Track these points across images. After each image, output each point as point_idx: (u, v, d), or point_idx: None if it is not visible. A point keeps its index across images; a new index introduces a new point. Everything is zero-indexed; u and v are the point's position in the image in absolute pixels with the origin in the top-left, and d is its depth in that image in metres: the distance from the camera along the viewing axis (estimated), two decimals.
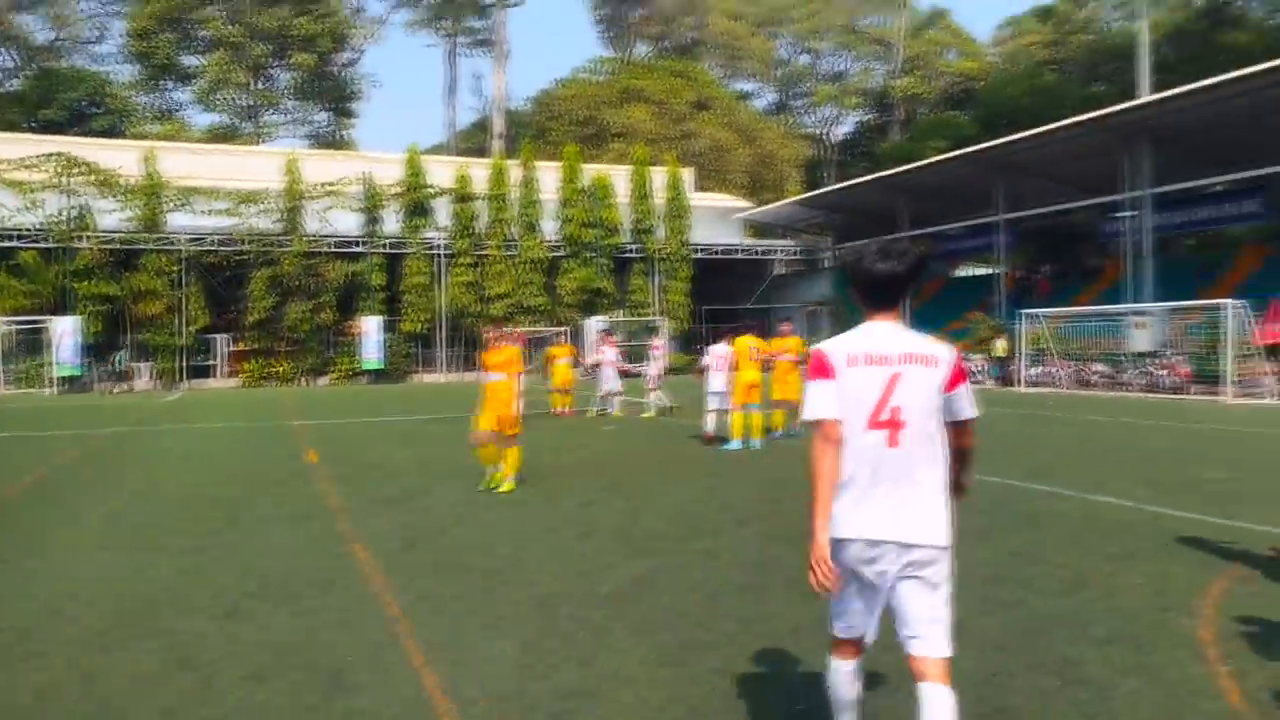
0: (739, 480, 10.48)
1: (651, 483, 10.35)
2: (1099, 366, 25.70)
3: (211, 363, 38.88)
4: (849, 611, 3.23)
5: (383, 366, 39.33)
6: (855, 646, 3.29)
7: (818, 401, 3.17)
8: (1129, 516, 7.92)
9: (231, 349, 39.51)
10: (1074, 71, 54.57)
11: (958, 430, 3.24)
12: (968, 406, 3.21)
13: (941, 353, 3.19)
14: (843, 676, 3.30)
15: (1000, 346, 27.02)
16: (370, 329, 39.01)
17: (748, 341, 13.64)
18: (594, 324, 40.15)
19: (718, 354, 13.95)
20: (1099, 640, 4.81)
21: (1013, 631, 4.98)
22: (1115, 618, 5.16)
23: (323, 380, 39.52)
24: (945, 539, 3.09)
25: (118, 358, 36.32)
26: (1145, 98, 28.38)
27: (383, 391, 33.44)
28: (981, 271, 50.27)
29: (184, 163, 39.61)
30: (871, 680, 3.96)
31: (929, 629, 3.09)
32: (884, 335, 3.21)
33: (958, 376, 3.19)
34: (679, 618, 5.32)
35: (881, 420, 3.10)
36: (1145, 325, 25.39)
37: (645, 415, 18.65)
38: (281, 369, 38.67)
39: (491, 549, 7.15)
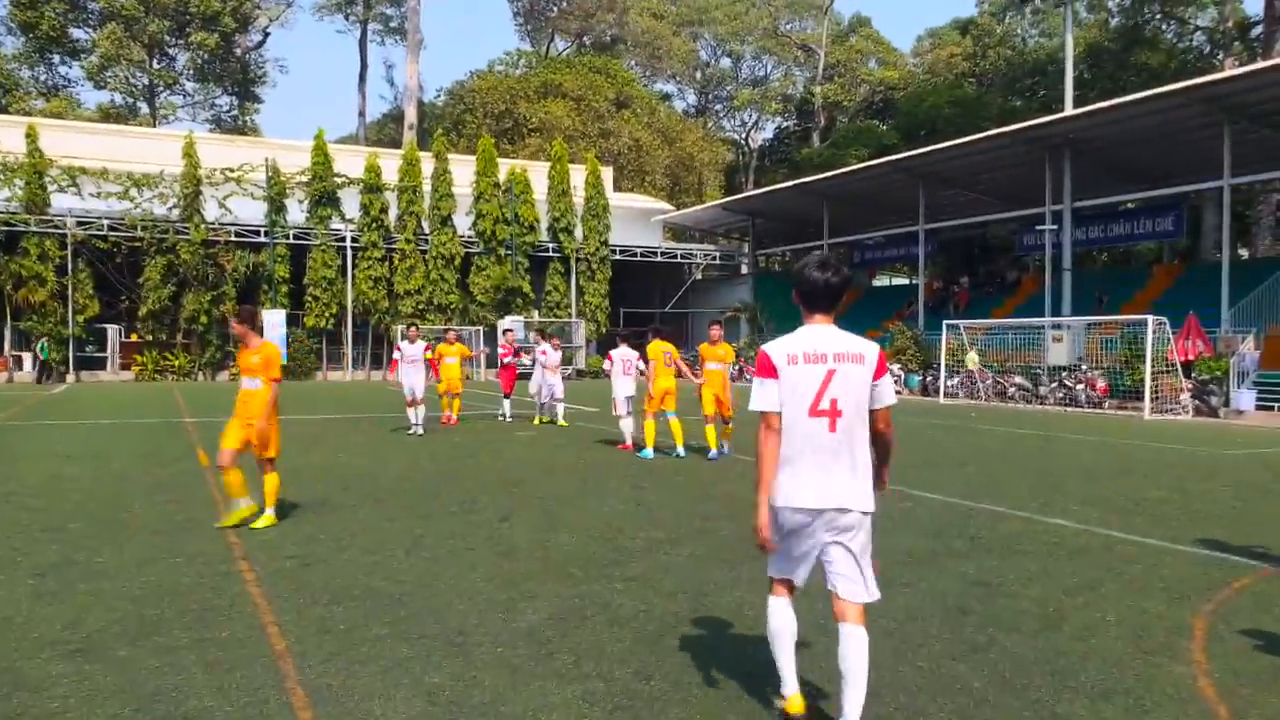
0: (666, 493, 9.93)
1: (570, 495, 9.75)
2: (1018, 379, 26.00)
3: (102, 354, 36.69)
4: (786, 562, 3.87)
5: (285, 363, 37.75)
6: (788, 587, 3.93)
7: (762, 396, 3.79)
8: (1084, 541, 7.59)
9: (124, 340, 37.42)
10: (993, 85, 55.86)
11: (878, 414, 3.83)
12: (889, 394, 3.85)
13: (869, 350, 3.81)
14: (778, 610, 3.91)
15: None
16: (273, 323, 37.39)
17: (661, 347, 13.17)
18: (509, 324, 39.30)
19: (623, 358, 13.94)
20: (1090, 693, 4.35)
21: (990, 681, 4.49)
22: (1100, 664, 4.72)
23: (222, 375, 37.79)
24: (871, 506, 3.78)
25: (40, 346, 34.29)
26: (1070, 111, 28.89)
27: (285, 390, 31.91)
28: (900, 281, 51.10)
29: (72, 142, 37.45)
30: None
31: (852, 580, 3.75)
32: (821, 336, 3.81)
33: (881, 369, 3.81)
34: (614, 660, 4.70)
35: (821, 409, 3.72)
36: (1063, 339, 25.80)
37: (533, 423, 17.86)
38: (178, 362, 36.90)
39: (396, 571, 6.43)
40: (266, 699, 4.14)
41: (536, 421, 18.03)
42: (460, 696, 4.21)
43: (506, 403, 19.06)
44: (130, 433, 16.28)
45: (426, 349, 16.21)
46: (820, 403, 3.70)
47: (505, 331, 20.43)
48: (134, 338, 37.28)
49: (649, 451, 12.93)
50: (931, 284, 37.79)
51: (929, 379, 29.79)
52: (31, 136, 35.17)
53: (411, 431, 15.40)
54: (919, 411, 23.29)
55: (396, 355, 16.18)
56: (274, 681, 4.34)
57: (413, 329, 16.37)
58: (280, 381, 7.97)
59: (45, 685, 4.31)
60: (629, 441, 13.68)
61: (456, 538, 7.53)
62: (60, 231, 35.00)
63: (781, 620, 3.90)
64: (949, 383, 27.85)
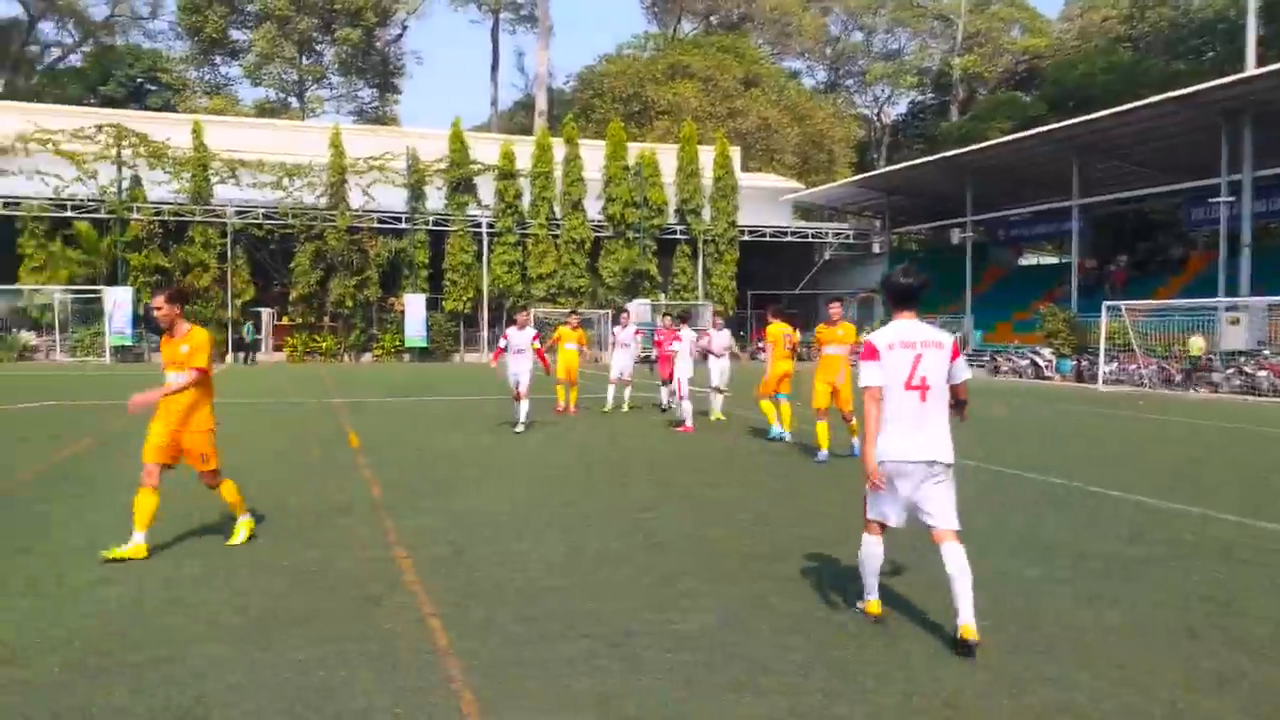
0: (816, 484, 9.46)
1: (714, 484, 9.47)
2: (1186, 365, 24.16)
3: (258, 336, 38.64)
4: (883, 505, 4.93)
5: (427, 345, 38.94)
6: (881, 527, 4.99)
7: (868, 375, 4.93)
8: None
9: (276, 323, 39.29)
10: (1152, 48, 52.16)
11: (958, 388, 5.01)
12: (965, 371, 4.99)
13: (945, 338, 4.97)
14: (871, 544, 5.02)
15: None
16: (414, 306, 38.51)
17: (781, 329, 12.82)
18: (636, 307, 39.22)
19: (690, 339, 14.40)
20: None
21: None
22: None
23: (366, 357, 39.21)
24: (952, 458, 4.87)
25: (246, 329, 36.46)
26: (1252, 70, 26.43)
27: (426, 371, 32.81)
28: (1050, 260, 48.55)
29: (232, 136, 39.43)
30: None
31: (944, 514, 4.82)
32: (909, 328, 4.95)
33: (956, 352, 4.94)
34: (794, 672, 4.33)
35: (914, 385, 4.86)
36: (1240, 321, 23.77)
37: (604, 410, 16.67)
38: (326, 344, 38.44)
39: (548, 563, 6.23)
40: (435, 701, 3.95)
41: (715, 416, 15.55)
42: (637, 710, 3.90)
43: (664, 391, 16.91)
44: (286, 413, 16.78)
45: (536, 337, 14.22)
46: (913, 379, 4.88)
47: (664, 315, 18.09)
48: (286, 320, 39.08)
49: (781, 429, 12.83)
50: (1084, 262, 35.61)
51: (1084, 364, 28.09)
52: (197, 133, 37.27)
53: (517, 428, 13.58)
54: (1078, 399, 21.99)
55: (502, 343, 14.33)
56: (440, 682, 4.16)
57: (522, 313, 15.13)
58: (206, 372, 6.39)
59: (218, 671, 4.26)
60: (690, 423, 14.04)
61: (603, 527, 7.32)
62: (221, 221, 37.00)
63: (874, 551, 5.04)
64: (1108, 368, 26.14)
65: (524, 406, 13.75)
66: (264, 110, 61.96)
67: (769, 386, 12.84)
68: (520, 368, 13.87)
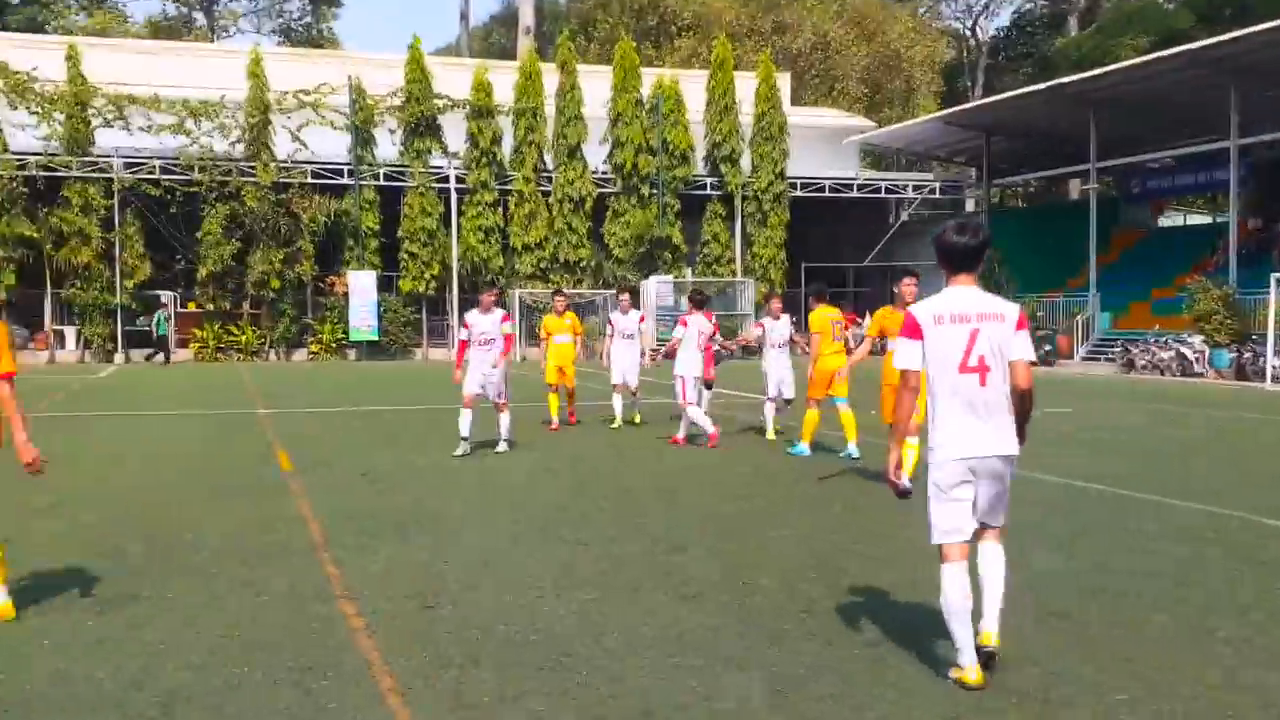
0: (885, 513, 9.42)
1: (761, 515, 9.54)
2: None
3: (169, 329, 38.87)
4: (956, 519, 5.24)
5: (378, 338, 39.08)
6: (962, 550, 5.23)
7: (906, 356, 5.33)
8: None
9: (180, 310, 39.45)
10: None
11: (1016, 368, 5.21)
12: (1027, 348, 5.26)
13: (1009, 310, 5.29)
14: (954, 578, 5.19)
15: None
16: (361, 287, 38.64)
17: (828, 316, 13.25)
18: (655, 285, 39.33)
19: (699, 328, 14.75)
20: None
21: None
22: None
23: (299, 354, 39.39)
24: (1017, 450, 5.28)
25: (157, 319, 36.60)
26: None
27: (376, 371, 32.94)
28: (1200, 220, 48.31)
29: (119, 65, 39.66)
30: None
31: (997, 512, 5.33)
32: (964, 297, 5.28)
33: (1021, 325, 5.26)
34: None
35: (970, 366, 5.17)
36: None
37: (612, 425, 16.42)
38: (245, 338, 38.61)
39: (547, 618, 6.25)
40: None
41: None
42: None
43: (707, 394, 16.04)
44: (194, 428, 16.94)
45: (506, 319, 13.84)
46: (969, 360, 5.18)
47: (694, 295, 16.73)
48: (192, 306, 39.23)
49: (804, 447, 13.31)
50: (1246, 222, 35.41)
51: (1246, 356, 27.98)
52: (73, 60, 37.52)
53: (460, 452, 13.04)
54: (1238, 402, 21.89)
55: (463, 333, 13.83)
56: None
57: (488, 293, 14.17)
58: (12, 377, 6.23)
59: None
60: (683, 435, 14.56)
61: (619, 571, 7.38)
62: (105, 176, 37.23)
63: (959, 590, 5.16)
64: (1278, 362, 26.03)
65: (504, 420, 13.58)
66: (160, 30, 62.31)
67: (817, 388, 13.15)
68: (488, 365, 13.46)
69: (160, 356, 36.28)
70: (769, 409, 15.02)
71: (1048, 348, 35.48)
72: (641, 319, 16.84)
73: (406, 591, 6.83)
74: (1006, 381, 5.20)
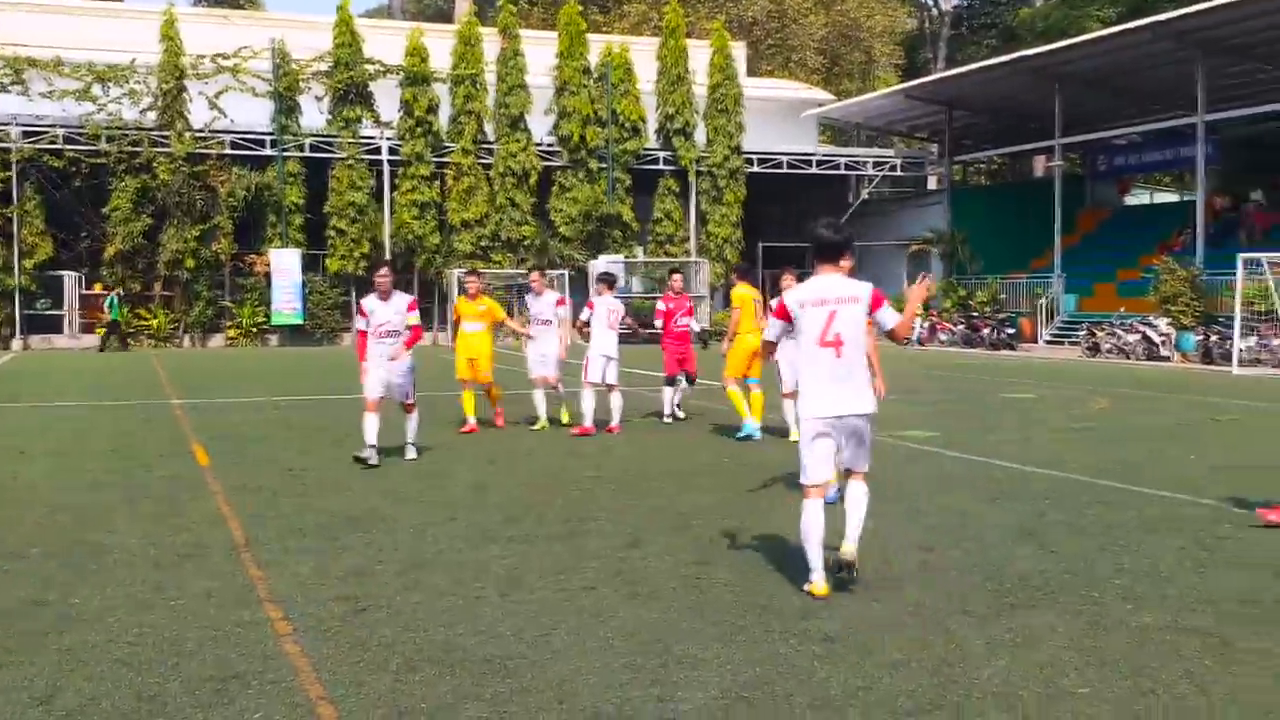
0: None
1: (720, 508, 9.63)
2: None
3: (58, 312, 38.32)
4: (818, 466, 6.80)
5: (302, 321, 38.81)
6: (820, 490, 6.82)
7: (770, 331, 7.28)
8: None
9: (85, 292, 38.88)
10: None
11: (892, 334, 6.97)
12: (890, 319, 6.86)
13: (863, 292, 6.78)
14: (814, 510, 6.73)
15: None
16: (284, 267, 38.29)
17: (750, 294, 13.95)
18: (602, 266, 39.33)
19: (609, 308, 14.87)
20: None
21: None
22: None
23: (216, 339, 39.03)
24: (873, 408, 6.93)
25: (109, 302, 36.25)
26: None
27: (301, 358, 32.67)
28: (1167, 198, 49.15)
29: (15, 24, 38.94)
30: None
31: (859, 458, 6.96)
32: (826, 284, 6.86)
33: (876, 303, 6.79)
34: None
35: (828, 340, 6.69)
36: None
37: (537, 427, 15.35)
38: (156, 323, 38.22)
39: (489, 621, 6.25)
40: None
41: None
42: None
43: (669, 392, 15.93)
44: (101, 420, 16.75)
45: (412, 306, 12.58)
46: (827, 335, 6.69)
47: (673, 273, 17.02)
48: (98, 288, 38.68)
49: (754, 426, 13.88)
50: (1214, 200, 36.11)
51: (1213, 339, 28.53)
52: None
53: (366, 457, 11.86)
54: (1203, 387, 22.33)
55: (361, 323, 12.57)
56: None
57: (382, 273, 12.58)
58: None
59: None
60: (589, 423, 14.60)
61: (569, 571, 7.39)
62: (2, 145, 36.49)
63: (815, 520, 6.72)
64: (1244, 345, 26.56)
65: (411, 423, 12.55)
66: None
67: (735, 368, 13.92)
68: (393, 359, 12.28)
69: (115, 341, 36.06)
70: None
71: (1010, 330, 36.01)
72: (560, 302, 15.73)
73: (337, 595, 6.79)
74: (861, 352, 6.78)
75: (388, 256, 39.32)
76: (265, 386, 22.17)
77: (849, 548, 6.72)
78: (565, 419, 15.49)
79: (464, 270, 18.21)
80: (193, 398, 19.90)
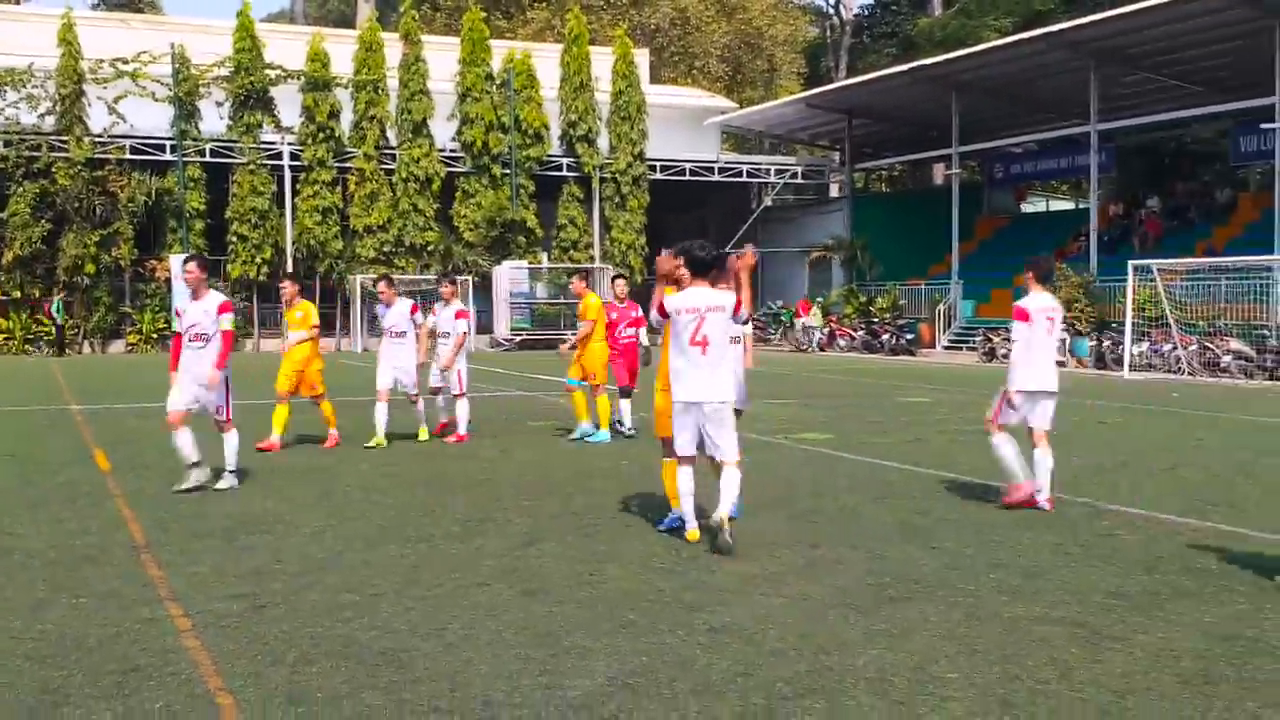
0: (752, 507, 9.83)
1: (614, 509, 9.86)
2: (1235, 344, 25.54)
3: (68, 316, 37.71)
4: (687, 440, 8.35)
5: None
6: (689, 459, 8.40)
7: (655, 320, 8.67)
8: None
9: None
10: None
11: (745, 339, 9.64)
12: (744, 327, 9.09)
13: (726, 300, 8.33)
14: (686, 476, 8.40)
15: None
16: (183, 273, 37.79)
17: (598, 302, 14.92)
18: (507, 272, 39.47)
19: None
20: None
21: None
22: None
23: (116, 345, 38.41)
24: (730, 397, 8.48)
25: (56, 306, 35.75)
26: None
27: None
28: (1062, 205, 50.34)
29: None
30: None
31: (724, 446, 8.32)
32: (698, 294, 8.34)
33: (736, 309, 8.34)
34: None
35: (697, 340, 8.21)
36: None
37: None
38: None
39: (386, 617, 6.43)
40: None
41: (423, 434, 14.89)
42: None
43: (625, 404, 15.07)
44: (0, 426, 16.50)
45: (224, 309, 10.92)
46: (696, 336, 8.20)
47: (616, 279, 16.31)
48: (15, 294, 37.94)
49: (605, 434, 14.58)
50: (1107, 208, 37.19)
51: (1105, 344, 29.36)
52: None
53: (187, 485, 10.59)
54: (1096, 392, 22.95)
55: (177, 324, 11.32)
56: None
57: (192, 264, 11.06)
58: None
59: None
60: (465, 431, 14.59)
61: (465, 570, 7.55)
62: None
63: (689, 482, 8.41)
64: (1136, 350, 27.40)
65: (228, 444, 10.95)
66: None
67: (600, 373, 14.64)
68: (199, 373, 10.75)
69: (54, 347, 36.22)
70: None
71: (910, 336, 36.64)
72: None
73: (236, 592, 6.91)
74: (723, 349, 8.33)
75: (290, 263, 39.07)
76: (164, 392, 21.89)
77: (723, 515, 7.99)
78: (423, 434, 14.63)
79: (281, 274, 15.91)
80: (93, 403, 19.64)
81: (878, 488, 10.99)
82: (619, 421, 15.06)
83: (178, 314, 11.27)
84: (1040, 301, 10.06)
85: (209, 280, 11.11)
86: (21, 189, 36.71)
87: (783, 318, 41.62)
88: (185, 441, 10.57)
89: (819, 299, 41.50)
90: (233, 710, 4.93)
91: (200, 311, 10.74)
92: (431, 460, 13.08)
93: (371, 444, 13.80)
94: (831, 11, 75.43)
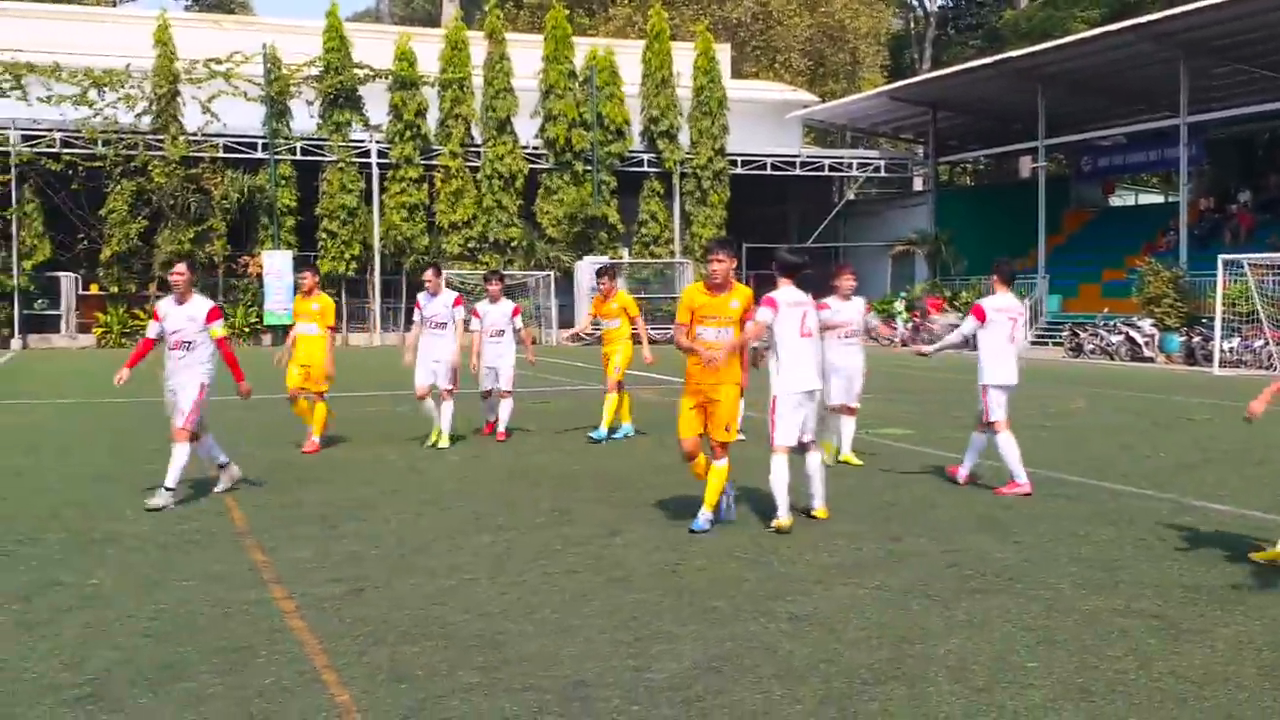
0: (834, 504, 9.95)
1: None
2: None
3: (55, 312, 38.54)
4: (790, 430, 8.72)
5: (293, 321, 38.90)
6: (786, 450, 8.72)
7: (761, 316, 8.69)
8: None
9: (82, 293, 39.14)
10: None
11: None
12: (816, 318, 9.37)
13: (808, 298, 8.98)
14: (781, 464, 8.65)
15: None
16: (276, 268, 38.53)
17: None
18: (588, 267, 39.70)
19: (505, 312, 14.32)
20: None
21: None
22: None
23: None
24: (820, 385, 9.22)
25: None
26: None
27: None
28: (1151, 199, 49.52)
29: (13, 30, 39.10)
30: None
31: (816, 429, 9.25)
32: (795, 292, 8.87)
33: (819, 308, 9.68)
34: None
35: (805, 332, 8.80)
36: None
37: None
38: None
39: (479, 601, 6.66)
40: None
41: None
42: None
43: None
44: (102, 416, 16.99)
45: (214, 315, 10.27)
46: (804, 328, 8.75)
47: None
48: (94, 289, 38.94)
49: (605, 431, 14.16)
50: (1198, 202, 36.51)
51: (1196, 340, 28.88)
52: None
53: (155, 505, 9.43)
54: (1183, 387, 22.64)
55: (153, 329, 10.31)
56: None
57: (177, 268, 10.30)
58: None
59: None
60: (505, 430, 14.24)
61: (551, 558, 7.76)
62: (1, 149, 36.70)
63: (785, 471, 8.59)
64: (1227, 346, 26.93)
65: (176, 456, 9.70)
66: None
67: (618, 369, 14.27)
68: (182, 380, 10.01)
69: None
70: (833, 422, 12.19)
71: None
72: (457, 302, 13.96)
73: (335, 576, 7.18)
74: (817, 342, 9.07)
75: (378, 259, 39.62)
76: (261, 384, 22.33)
77: (822, 508, 8.99)
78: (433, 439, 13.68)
79: (303, 269, 14.34)
80: None
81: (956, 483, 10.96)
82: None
83: (155, 317, 10.21)
84: (1000, 302, 10.69)
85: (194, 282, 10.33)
86: (119, 187, 37.63)
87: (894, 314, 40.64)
88: (175, 459, 9.63)
89: (903, 293, 41.16)
90: (339, 686, 5.18)
91: (185, 318, 9.92)
92: (514, 453, 13.21)
93: (431, 441, 13.54)
94: (916, 4, 74.79)
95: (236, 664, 5.50)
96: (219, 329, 10.10)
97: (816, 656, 5.64)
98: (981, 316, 10.62)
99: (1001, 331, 10.54)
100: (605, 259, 41.22)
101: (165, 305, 10.12)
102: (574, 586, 6.99)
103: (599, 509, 9.56)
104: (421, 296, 13.94)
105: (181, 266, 10.15)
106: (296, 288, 14.41)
